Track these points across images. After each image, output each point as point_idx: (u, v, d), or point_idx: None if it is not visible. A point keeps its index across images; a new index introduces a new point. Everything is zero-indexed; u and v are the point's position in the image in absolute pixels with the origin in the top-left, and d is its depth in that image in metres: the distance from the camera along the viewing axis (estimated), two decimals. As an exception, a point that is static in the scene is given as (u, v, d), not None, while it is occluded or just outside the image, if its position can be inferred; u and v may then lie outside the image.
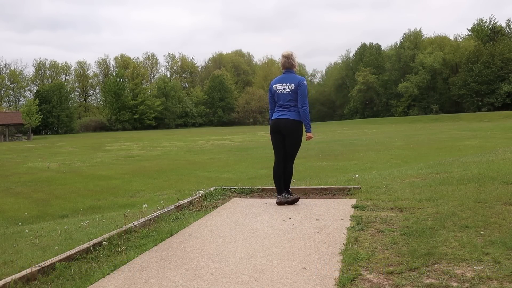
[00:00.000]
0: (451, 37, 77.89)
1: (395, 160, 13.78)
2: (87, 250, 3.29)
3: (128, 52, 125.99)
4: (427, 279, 2.40)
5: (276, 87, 4.71)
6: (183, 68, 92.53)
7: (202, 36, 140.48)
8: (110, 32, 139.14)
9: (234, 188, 5.78)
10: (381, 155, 15.87)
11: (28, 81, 78.59)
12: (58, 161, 20.46)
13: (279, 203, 4.68)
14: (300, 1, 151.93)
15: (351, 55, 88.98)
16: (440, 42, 74.49)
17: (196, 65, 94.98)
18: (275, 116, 4.71)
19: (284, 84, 4.64)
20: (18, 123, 53.06)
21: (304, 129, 4.70)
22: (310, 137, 4.76)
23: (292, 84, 4.60)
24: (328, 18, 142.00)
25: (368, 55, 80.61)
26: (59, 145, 34.57)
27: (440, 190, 4.86)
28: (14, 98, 77.76)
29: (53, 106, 64.07)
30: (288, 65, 4.71)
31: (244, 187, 5.78)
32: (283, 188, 4.74)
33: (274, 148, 4.80)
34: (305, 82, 4.66)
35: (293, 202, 4.69)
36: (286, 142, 4.68)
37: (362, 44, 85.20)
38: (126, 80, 75.84)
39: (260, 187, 5.78)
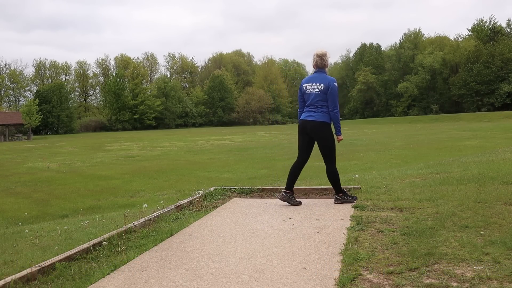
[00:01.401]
0: (451, 37, 78.07)
1: (395, 160, 13.78)
2: (87, 250, 3.29)
3: (128, 52, 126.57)
4: (427, 279, 2.40)
5: (306, 86, 4.66)
6: (183, 68, 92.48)
7: (203, 36, 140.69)
8: (111, 32, 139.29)
9: (234, 188, 5.78)
10: (381, 155, 15.87)
11: (28, 81, 78.56)
12: (58, 161, 20.45)
13: (281, 199, 4.71)
14: (301, 1, 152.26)
15: (351, 55, 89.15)
16: (440, 42, 74.51)
17: (196, 65, 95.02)
18: (303, 116, 4.67)
19: (314, 84, 4.58)
20: (18, 123, 53.03)
21: (333, 130, 4.64)
22: (340, 139, 4.67)
23: (322, 85, 4.52)
24: (329, 18, 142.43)
25: (368, 55, 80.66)
26: (59, 145, 34.56)
27: (440, 190, 4.86)
28: (14, 98, 77.76)
29: (53, 106, 64.05)
30: (321, 64, 4.65)
31: (244, 187, 5.78)
32: (291, 186, 4.74)
33: (298, 148, 4.80)
34: (335, 83, 4.57)
35: (293, 205, 4.69)
36: (317, 144, 4.65)
37: (362, 44, 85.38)
38: (126, 80, 75.83)
39: (260, 187, 5.78)
